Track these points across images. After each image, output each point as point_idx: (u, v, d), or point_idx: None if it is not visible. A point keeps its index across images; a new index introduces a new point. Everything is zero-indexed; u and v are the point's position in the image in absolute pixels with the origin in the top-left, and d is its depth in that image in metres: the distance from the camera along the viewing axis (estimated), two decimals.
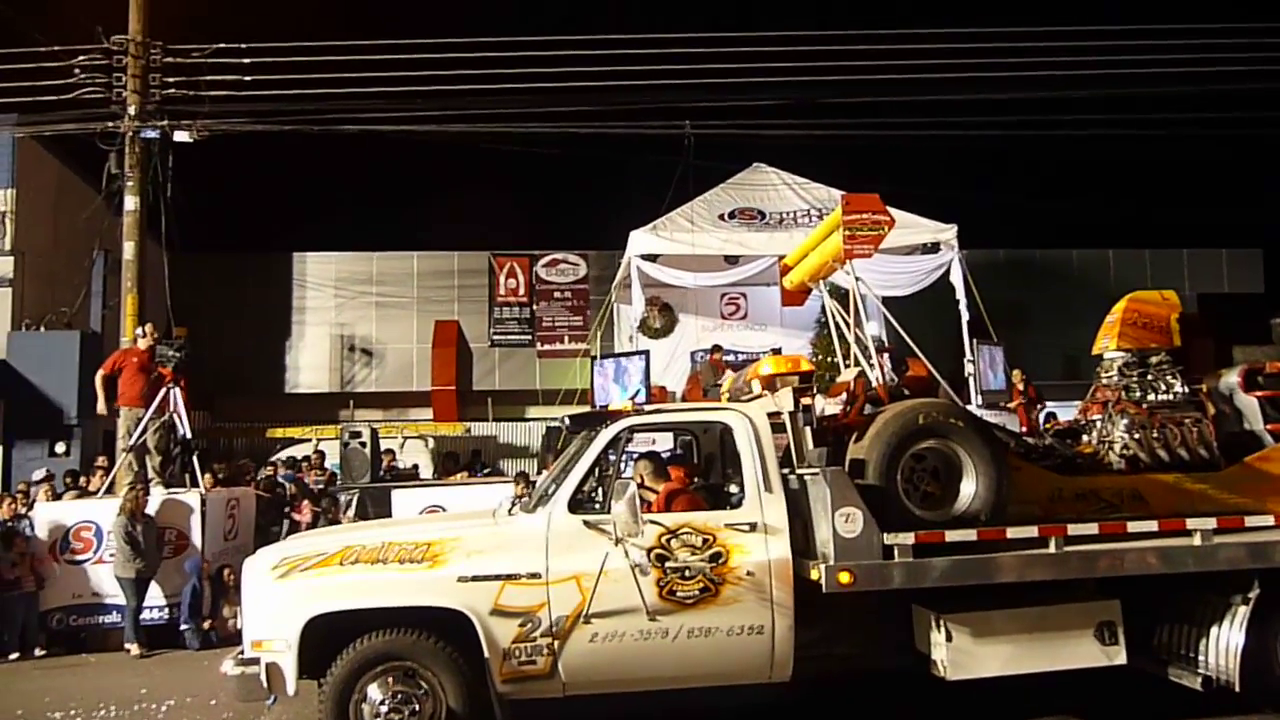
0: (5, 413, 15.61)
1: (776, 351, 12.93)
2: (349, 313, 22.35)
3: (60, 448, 15.25)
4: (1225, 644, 5.58)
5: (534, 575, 5.34)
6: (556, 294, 22.58)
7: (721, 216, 15.02)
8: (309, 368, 22.23)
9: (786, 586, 5.42)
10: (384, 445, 14.44)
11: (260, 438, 18.66)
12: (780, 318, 17.03)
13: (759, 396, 6.25)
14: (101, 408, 10.78)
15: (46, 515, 10.23)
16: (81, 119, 13.33)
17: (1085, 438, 6.51)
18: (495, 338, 22.49)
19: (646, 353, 13.57)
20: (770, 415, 5.91)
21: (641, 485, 5.97)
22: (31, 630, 9.71)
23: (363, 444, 12.12)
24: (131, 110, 13.07)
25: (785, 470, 5.75)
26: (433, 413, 20.71)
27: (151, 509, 9.98)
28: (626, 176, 20.20)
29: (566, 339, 22.19)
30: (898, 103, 15.02)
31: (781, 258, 9.25)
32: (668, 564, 5.40)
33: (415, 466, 15.95)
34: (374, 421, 16.62)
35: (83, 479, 12.62)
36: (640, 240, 14.47)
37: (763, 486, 5.59)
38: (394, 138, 14.92)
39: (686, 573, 5.40)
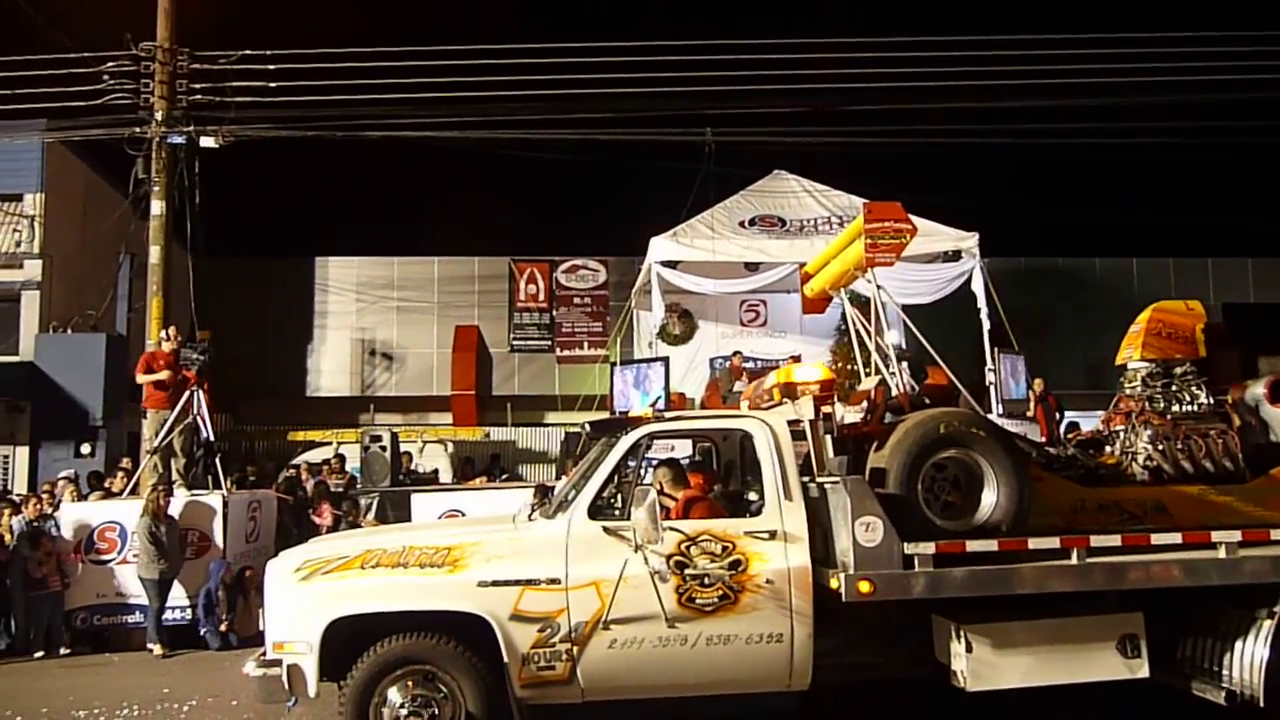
0: (32, 414, 15.83)
1: (796, 359, 12.88)
2: (370, 317, 22.48)
3: (86, 449, 15.44)
4: (1250, 658, 5.49)
5: (554, 581, 5.36)
6: (576, 300, 22.61)
7: (742, 223, 14.98)
8: (330, 371, 22.37)
9: (806, 595, 5.40)
10: (404, 449, 14.52)
11: (281, 441, 18.79)
12: (800, 325, 16.92)
13: (779, 404, 6.24)
14: (166, 376, 10.75)
15: (72, 515, 10.35)
16: (109, 125, 13.56)
17: (1108, 448, 6.44)
18: (515, 343, 22.55)
19: (666, 359, 13.58)
20: (790, 423, 5.88)
21: (661, 492, 5.96)
22: (56, 629, 9.82)
23: (383, 448, 12.22)
24: (158, 116, 13.27)
25: (805, 478, 5.73)
26: (452, 417, 20.81)
27: (174, 510, 10.08)
28: (647, 183, 20.21)
29: (586, 345, 22.20)
30: (920, 110, 14.99)
31: (802, 265, 9.22)
32: (687, 571, 5.39)
33: (435, 471, 16.03)
34: (394, 425, 16.69)
35: (106, 480, 12.76)
36: (660, 247, 14.47)
37: (782, 494, 5.58)
38: (416, 143, 15.09)
39: (706, 580, 5.39)
